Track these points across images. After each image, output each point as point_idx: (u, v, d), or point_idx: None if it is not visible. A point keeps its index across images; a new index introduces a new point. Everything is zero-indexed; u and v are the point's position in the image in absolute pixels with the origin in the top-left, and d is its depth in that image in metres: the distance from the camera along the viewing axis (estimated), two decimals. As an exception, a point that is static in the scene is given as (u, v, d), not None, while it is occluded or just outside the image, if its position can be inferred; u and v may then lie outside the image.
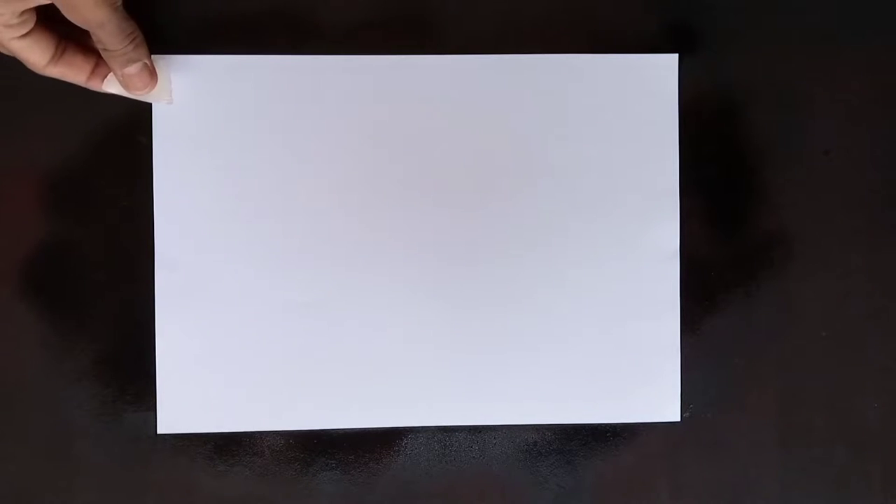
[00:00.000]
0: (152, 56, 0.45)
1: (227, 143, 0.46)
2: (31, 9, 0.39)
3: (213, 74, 0.45)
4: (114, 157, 0.46)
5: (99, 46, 0.42)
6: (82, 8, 0.39)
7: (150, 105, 0.45)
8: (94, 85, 0.43)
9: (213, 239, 0.46)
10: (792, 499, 0.47)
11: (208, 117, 0.45)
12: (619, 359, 0.46)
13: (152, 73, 0.44)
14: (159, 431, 0.46)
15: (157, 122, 0.45)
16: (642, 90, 0.46)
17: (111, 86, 0.44)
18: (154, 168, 0.45)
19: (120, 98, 0.45)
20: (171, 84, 0.45)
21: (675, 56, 0.46)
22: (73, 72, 0.42)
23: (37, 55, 0.41)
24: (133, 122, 0.45)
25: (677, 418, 0.47)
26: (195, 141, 0.45)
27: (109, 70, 0.43)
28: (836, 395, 0.47)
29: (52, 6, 0.39)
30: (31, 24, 0.40)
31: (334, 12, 0.46)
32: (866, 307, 0.48)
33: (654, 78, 0.46)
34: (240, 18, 0.46)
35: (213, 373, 0.46)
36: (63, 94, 0.45)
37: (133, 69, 0.43)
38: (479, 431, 0.47)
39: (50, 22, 0.41)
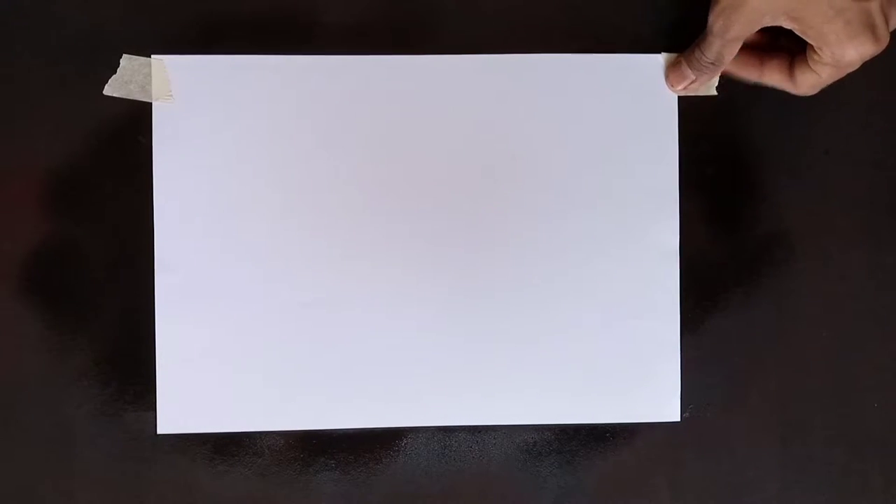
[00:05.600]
0: (152, 56, 0.45)
1: (227, 144, 0.46)
2: None
3: (213, 74, 0.45)
4: (114, 157, 0.46)
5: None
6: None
7: (150, 105, 0.45)
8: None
9: (213, 239, 0.46)
10: (792, 499, 0.47)
11: (208, 117, 0.45)
12: (619, 359, 0.46)
13: None
14: (159, 431, 0.46)
15: (157, 122, 0.45)
16: (643, 90, 0.46)
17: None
18: (154, 168, 0.45)
19: (120, 98, 0.45)
20: (170, 84, 0.45)
21: (675, 56, 0.46)
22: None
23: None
24: (133, 122, 0.45)
25: (677, 418, 0.47)
26: (195, 141, 0.45)
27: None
28: (836, 395, 0.47)
29: None
30: None
31: (334, 12, 0.46)
32: (866, 307, 0.48)
33: (655, 78, 0.46)
34: (240, 18, 0.46)
35: (213, 373, 0.46)
36: (63, 94, 0.45)
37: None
38: (479, 431, 0.47)
39: None
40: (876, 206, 0.48)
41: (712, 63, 0.43)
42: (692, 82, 0.45)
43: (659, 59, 0.46)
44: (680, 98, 0.46)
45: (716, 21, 0.40)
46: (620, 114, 0.46)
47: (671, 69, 0.45)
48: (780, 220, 0.47)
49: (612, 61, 0.46)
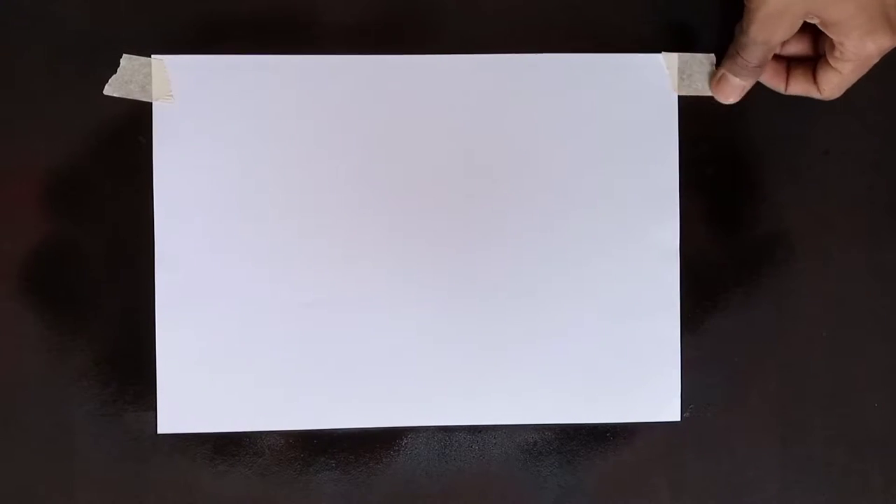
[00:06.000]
0: (152, 56, 0.45)
1: (227, 143, 0.46)
2: None
3: (213, 74, 0.45)
4: (114, 157, 0.46)
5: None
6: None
7: (150, 105, 0.45)
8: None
9: (213, 239, 0.46)
10: (792, 499, 0.47)
11: (208, 117, 0.45)
12: (619, 359, 0.46)
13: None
14: (159, 431, 0.46)
15: (157, 122, 0.45)
16: (642, 90, 0.46)
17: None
18: (154, 168, 0.45)
19: (120, 98, 0.45)
20: (170, 84, 0.45)
21: (676, 56, 0.46)
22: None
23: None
24: (133, 122, 0.45)
25: (677, 418, 0.47)
26: (195, 141, 0.45)
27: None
28: (836, 395, 0.47)
29: None
30: None
31: (334, 12, 0.46)
32: (866, 307, 0.48)
33: (655, 78, 0.46)
34: (240, 18, 0.46)
35: (213, 373, 0.46)
36: (63, 94, 0.45)
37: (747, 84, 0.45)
38: (479, 431, 0.47)
39: None
40: (876, 206, 0.48)
41: (758, 66, 0.44)
42: (744, 88, 0.45)
43: (659, 59, 0.46)
44: (680, 98, 0.46)
45: (759, 33, 0.42)
46: (620, 114, 0.46)
47: (720, 86, 0.45)
48: (780, 220, 0.47)
49: (612, 61, 0.46)
